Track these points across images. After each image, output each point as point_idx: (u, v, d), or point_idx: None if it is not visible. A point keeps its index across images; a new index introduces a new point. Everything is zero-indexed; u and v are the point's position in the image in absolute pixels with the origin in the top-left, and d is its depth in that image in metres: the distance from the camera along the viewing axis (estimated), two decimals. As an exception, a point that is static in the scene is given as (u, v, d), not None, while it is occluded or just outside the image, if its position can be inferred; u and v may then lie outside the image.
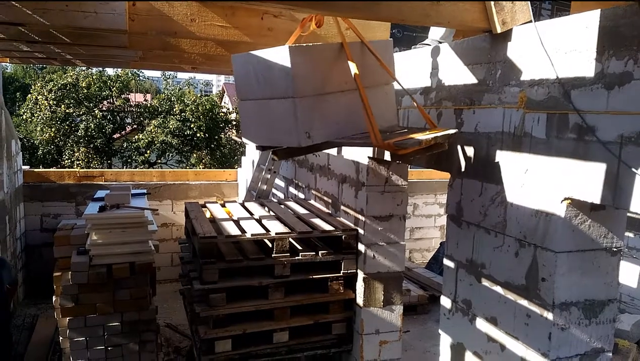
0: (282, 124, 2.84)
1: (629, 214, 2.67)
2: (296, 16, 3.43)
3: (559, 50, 2.39)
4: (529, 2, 2.64)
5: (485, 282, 2.88)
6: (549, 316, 2.44)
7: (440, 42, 3.35)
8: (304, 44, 2.80)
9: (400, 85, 3.12)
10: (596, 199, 2.20)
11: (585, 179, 2.25)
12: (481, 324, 2.91)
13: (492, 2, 2.62)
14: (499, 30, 2.69)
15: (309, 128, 2.76)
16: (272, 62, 2.78)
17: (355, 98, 2.88)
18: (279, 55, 2.71)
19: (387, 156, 3.86)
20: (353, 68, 2.76)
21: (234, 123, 18.43)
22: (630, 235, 7.31)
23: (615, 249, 2.51)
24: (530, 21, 2.57)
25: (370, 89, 3.03)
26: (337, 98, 2.89)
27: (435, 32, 3.58)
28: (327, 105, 2.85)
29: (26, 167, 8.35)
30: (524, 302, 2.60)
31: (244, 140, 3.06)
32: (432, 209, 9.81)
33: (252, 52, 2.91)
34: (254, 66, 2.95)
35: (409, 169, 4.32)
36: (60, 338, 4.92)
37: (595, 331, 2.53)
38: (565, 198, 2.37)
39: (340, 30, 2.86)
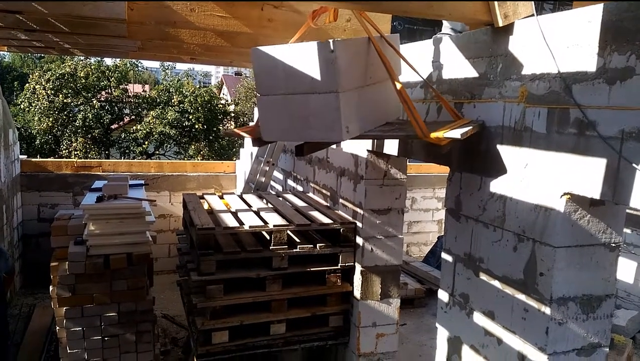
0: (318, 119, 2.77)
1: (626, 210, 2.66)
2: (296, 7, 3.41)
3: (560, 45, 2.38)
4: (531, -4, 2.62)
5: (483, 276, 2.88)
6: (547, 310, 2.44)
7: (459, 32, 3.31)
8: (343, 38, 2.78)
9: (420, 76, 3.10)
10: (596, 194, 2.20)
11: (585, 174, 2.24)
12: (478, 318, 2.92)
13: (495, -5, 2.60)
14: (500, 24, 2.67)
15: (349, 122, 2.73)
16: (309, 57, 2.71)
17: (377, 91, 2.92)
18: (319, 49, 2.66)
19: (388, 149, 3.84)
20: (385, 59, 2.77)
21: (232, 115, 18.40)
22: (628, 231, 7.33)
23: (614, 245, 2.51)
24: (533, 15, 2.55)
25: (379, 83, 3.02)
26: (365, 91, 2.89)
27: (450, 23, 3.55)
28: (359, 98, 2.85)
29: (23, 157, 8.32)
30: (521, 297, 2.60)
31: (264, 137, 3.00)
32: (430, 203, 9.83)
33: (280, 46, 2.85)
34: (282, 61, 2.85)
35: (408, 162, 4.31)
36: (57, 328, 4.91)
37: (592, 327, 2.54)
38: (565, 193, 2.36)
39: (365, 25, 2.83)
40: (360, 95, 2.86)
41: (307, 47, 2.72)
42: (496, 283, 2.78)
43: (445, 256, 3.26)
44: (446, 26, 3.39)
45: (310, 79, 2.73)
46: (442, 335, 3.27)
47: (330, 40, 2.61)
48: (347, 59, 2.71)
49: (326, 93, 2.69)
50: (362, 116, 2.87)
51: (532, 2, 2.63)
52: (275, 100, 2.97)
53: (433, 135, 2.68)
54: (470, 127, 2.72)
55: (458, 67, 3.10)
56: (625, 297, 7.16)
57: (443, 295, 3.27)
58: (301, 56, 2.75)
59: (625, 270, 7.18)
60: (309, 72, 2.72)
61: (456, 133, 2.64)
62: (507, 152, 2.70)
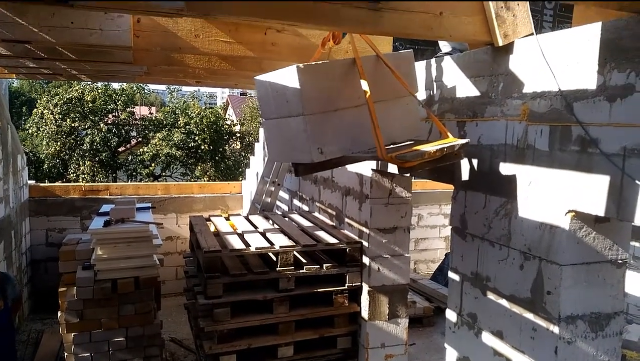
0: (296, 141, 2.89)
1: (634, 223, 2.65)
2: (299, 30, 3.46)
3: (560, 63, 2.40)
4: (530, 15, 2.65)
5: (491, 295, 2.87)
6: (555, 329, 2.42)
7: (459, 50, 3.35)
8: (313, 62, 2.83)
9: (415, 97, 3.12)
10: (600, 211, 2.20)
11: (589, 191, 2.24)
12: (487, 338, 2.89)
13: (494, 15, 2.64)
14: (500, 43, 2.70)
15: (322, 144, 2.78)
16: (284, 82, 2.84)
17: (367, 112, 2.91)
18: (289, 74, 2.77)
19: (392, 168, 3.85)
20: (364, 84, 2.79)
21: (238, 135, 18.52)
22: (637, 244, 7.26)
23: (620, 261, 2.50)
24: (532, 34, 2.58)
25: (389, 101, 3.05)
26: (351, 113, 2.91)
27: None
28: (340, 120, 2.87)
29: (32, 182, 8.39)
30: (529, 315, 2.58)
31: (269, 158, 3.12)
32: (436, 220, 9.78)
33: (268, 73, 2.99)
34: (271, 86, 3.03)
35: (413, 180, 4.31)
36: (66, 353, 4.90)
37: (602, 345, 2.51)
38: (570, 211, 2.36)
39: (354, 45, 2.88)
40: (345, 116, 2.88)
41: (283, 72, 2.85)
42: (504, 302, 2.76)
43: (452, 275, 3.24)
44: (444, 45, 3.42)
45: (287, 103, 2.84)
46: (451, 355, 3.24)
47: (295, 65, 2.70)
48: (318, 82, 2.78)
49: (297, 116, 2.81)
50: (349, 136, 2.89)
51: (531, 21, 2.66)
52: (272, 123, 3.10)
53: (389, 155, 2.71)
54: (437, 148, 2.74)
55: (460, 85, 3.13)
56: (637, 312, 7.06)
57: (451, 315, 3.25)
58: (280, 81, 2.88)
59: (636, 284, 7.09)
60: (286, 97, 2.84)
61: (413, 155, 2.68)
62: (510, 170, 2.71)
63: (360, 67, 2.81)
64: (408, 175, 3.92)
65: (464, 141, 2.83)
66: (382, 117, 3.07)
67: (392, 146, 3.04)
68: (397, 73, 2.95)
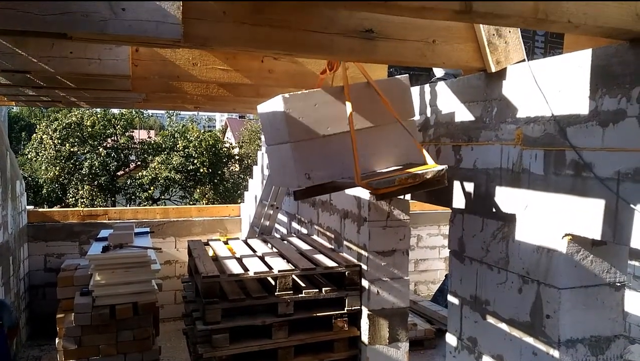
0: (287, 167, 2.98)
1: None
2: (295, 58, 3.51)
3: (553, 88, 2.43)
4: (521, 42, 2.70)
5: (490, 319, 2.86)
6: (555, 353, 2.41)
7: (453, 75, 3.41)
8: (300, 92, 2.91)
9: (401, 123, 3.16)
10: (597, 235, 2.21)
11: (585, 215, 2.26)
12: (487, 362, 2.88)
13: (486, 42, 2.68)
14: (493, 70, 2.75)
15: (309, 170, 2.85)
16: (274, 110, 2.95)
17: (361, 137, 2.97)
18: (276, 103, 2.90)
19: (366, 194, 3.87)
20: (348, 109, 2.84)
21: (237, 157, 18.58)
22: (638, 264, 7.24)
23: (618, 284, 2.50)
24: (524, 60, 2.63)
25: (383, 126, 3.09)
26: (341, 138, 2.95)
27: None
28: (329, 146, 2.92)
29: (30, 207, 8.39)
30: (529, 339, 2.57)
31: (273, 183, 3.25)
32: (436, 240, 9.76)
33: (266, 102, 3.12)
34: (267, 115, 3.15)
35: (411, 201, 4.33)
36: (63, 381, 4.86)
37: (603, 369, 2.50)
38: (566, 234, 2.37)
39: (344, 72, 2.93)
40: (331, 142, 2.94)
41: (273, 102, 2.97)
42: (503, 326, 2.75)
43: (451, 299, 3.24)
44: (439, 71, 3.47)
45: (278, 131, 2.97)
46: (452, 380, 3.21)
47: (281, 95, 2.81)
48: (304, 110, 2.87)
49: (285, 143, 2.91)
50: (338, 161, 2.93)
51: (523, 48, 2.71)
52: (271, 149, 3.19)
53: (363, 182, 2.76)
54: (408, 175, 2.78)
55: (454, 110, 3.17)
56: (639, 333, 7.00)
57: (451, 339, 3.23)
58: (272, 110, 3.00)
59: (637, 304, 7.05)
60: (277, 124, 2.97)
61: (381, 182, 2.74)
62: (506, 194, 2.73)
63: (347, 94, 2.88)
64: (402, 197, 3.95)
65: (440, 168, 2.87)
66: (374, 142, 3.11)
67: (379, 171, 3.07)
68: (385, 98, 3.00)
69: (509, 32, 2.69)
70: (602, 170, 2.17)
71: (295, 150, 2.85)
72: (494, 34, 2.67)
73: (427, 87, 3.48)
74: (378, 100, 3.02)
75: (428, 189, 2.93)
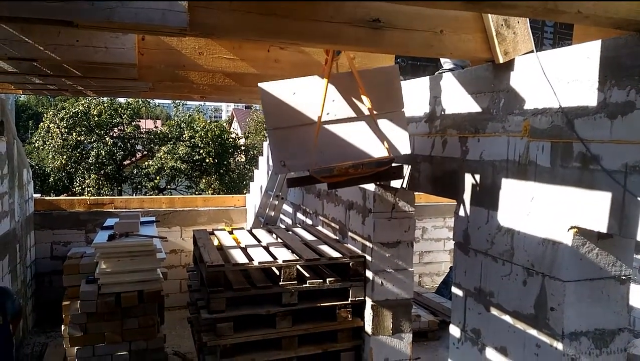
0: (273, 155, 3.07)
1: None
2: (302, 47, 3.49)
3: (561, 80, 2.41)
4: (530, 32, 2.67)
5: (494, 311, 2.86)
6: (559, 346, 2.41)
7: (461, 66, 3.38)
8: (279, 80, 2.95)
9: (372, 115, 3.14)
10: (603, 228, 2.19)
11: (591, 208, 2.24)
12: (491, 354, 2.88)
13: (494, 33, 2.66)
14: (501, 60, 2.72)
15: (285, 158, 2.93)
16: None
17: (343, 128, 2.99)
18: (260, 91, 2.96)
19: (396, 183, 3.87)
20: (324, 98, 2.91)
21: (243, 148, 18.60)
22: (643, 258, 7.20)
23: (624, 277, 2.49)
24: (532, 51, 2.60)
25: (368, 117, 3.08)
26: (321, 128, 2.97)
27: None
28: (306, 135, 2.94)
29: (37, 195, 8.44)
30: (533, 332, 2.57)
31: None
32: (441, 233, 9.75)
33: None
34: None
35: (416, 193, 4.32)
36: (69, 367, 4.91)
37: (606, 362, 2.50)
38: (572, 227, 2.36)
39: (330, 62, 2.95)
40: (309, 131, 2.96)
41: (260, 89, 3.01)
42: (507, 318, 2.75)
43: (455, 290, 3.23)
44: (446, 61, 3.45)
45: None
46: (455, 371, 3.22)
47: (260, 84, 2.90)
48: (282, 99, 2.92)
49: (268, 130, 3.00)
50: (317, 151, 2.95)
51: (532, 38, 2.68)
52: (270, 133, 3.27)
53: (311, 172, 2.88)
54: (349, 165, 2.90)
55: (461, 102, 3.15)
56: (644, 326, 6.98)
57: (455, 331, 3.23)
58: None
59: (642, 298, 7.02)
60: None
61: (320, 171, 2.89)
62: (512, 186, 2.72)
63: (326, 84, 2.91)
64: (406, 188, 3.93)
65: (384, 157, 2.96)
66: (357, 132, 3.09)
67: (355, 163, 3.07)
68: (364, 89, 3.01)
69: (518, 22, 2.66)
70: (610, 163, 2.16)
71: (271, 137, 2.93)
72: (502, 25, 2.64)
73: (434, 78, 3.46)
74: (370, 90, 3.03)
75: (383, 182, 3.00)
